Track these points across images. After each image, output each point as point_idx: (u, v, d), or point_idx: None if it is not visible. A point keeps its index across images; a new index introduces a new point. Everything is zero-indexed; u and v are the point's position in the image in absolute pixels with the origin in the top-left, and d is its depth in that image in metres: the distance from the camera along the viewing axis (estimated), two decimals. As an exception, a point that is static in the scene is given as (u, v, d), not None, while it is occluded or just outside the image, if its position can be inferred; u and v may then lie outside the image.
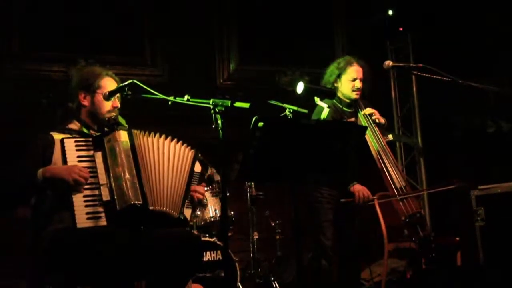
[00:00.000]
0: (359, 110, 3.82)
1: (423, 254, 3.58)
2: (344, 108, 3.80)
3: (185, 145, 2.74)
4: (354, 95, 3.75)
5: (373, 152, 3.72)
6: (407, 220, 3.60)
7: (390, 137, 3.93)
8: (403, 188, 3.68)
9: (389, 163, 3.72)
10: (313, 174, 2.85)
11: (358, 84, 3.73)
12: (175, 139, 2.72)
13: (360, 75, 3.75)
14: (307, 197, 3.68)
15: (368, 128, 3.72)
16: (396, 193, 3.66)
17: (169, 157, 2.66)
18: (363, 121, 3.76)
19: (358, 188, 3.63)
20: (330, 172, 2.90)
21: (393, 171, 3.71)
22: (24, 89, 4.72)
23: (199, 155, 2.81)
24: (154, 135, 2.67)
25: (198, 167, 2.82)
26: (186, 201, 2.71)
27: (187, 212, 2.73)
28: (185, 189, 2.69)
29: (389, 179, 3.68)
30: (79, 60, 4.70)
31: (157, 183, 2.59)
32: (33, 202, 2.59)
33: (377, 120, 3.77)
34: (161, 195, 2.57)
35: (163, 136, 2.69)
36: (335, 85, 3.78)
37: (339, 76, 3.75)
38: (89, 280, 2.44)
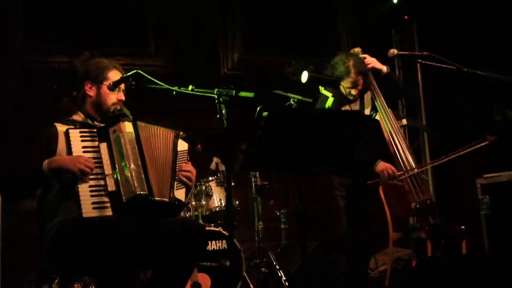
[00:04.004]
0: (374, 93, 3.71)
1: (433, 241, 3.57)
2: (349, 96, 3.76)
3: (163, 128, 2.72)
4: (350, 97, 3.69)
5: (386, 136, 3.65)
6: (418, 206, 3.57)
7: (404, 121, 3.87)
8: (416, 175, 3.61)
9: (401, 147, 3.64)
10: (318, 164, 2.84)
11: (354, 92, 3.67)
12: (158, 126, 2.71)
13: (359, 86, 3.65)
14: (316, 186, 3.65)
15: (381, 111, 3.65)
16: (408, 178, 3.59)
17: (158, 144, 2.67)
18: (378, 106, 3.69)
19: (383, 167, 3.55)
20: (335, 162, 2.88)
21: (406, 156, 3.63)
22: (28, 81, 4.72)
23: (181, 133, 2.78)
24: (156, 126, 2.69)
25: (183, 145, 2.79)
26: (175, 183, 2.68)
27: (180, 193, 2.70)
28: (171, 172, 2.66)
29: (401, 163, 3.61)
30: (83, 52, 4.69)
31: (158, 172, 2.59)
32: (39, 194, 2.60)
33: (369, 65, 3.65)
34: (161, 184, 2.58)
35: (157, 126, 2.69)
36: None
37: (342, 76, 3.61)
38: (95, 269, 2.46)
